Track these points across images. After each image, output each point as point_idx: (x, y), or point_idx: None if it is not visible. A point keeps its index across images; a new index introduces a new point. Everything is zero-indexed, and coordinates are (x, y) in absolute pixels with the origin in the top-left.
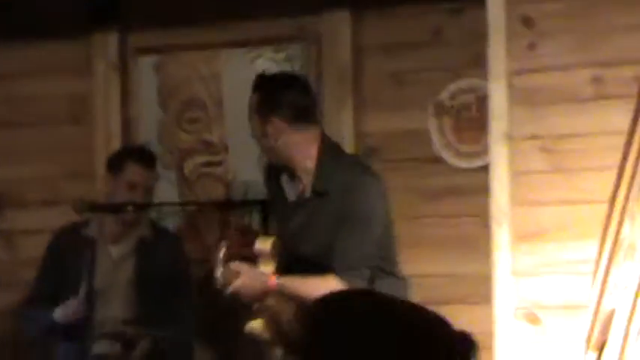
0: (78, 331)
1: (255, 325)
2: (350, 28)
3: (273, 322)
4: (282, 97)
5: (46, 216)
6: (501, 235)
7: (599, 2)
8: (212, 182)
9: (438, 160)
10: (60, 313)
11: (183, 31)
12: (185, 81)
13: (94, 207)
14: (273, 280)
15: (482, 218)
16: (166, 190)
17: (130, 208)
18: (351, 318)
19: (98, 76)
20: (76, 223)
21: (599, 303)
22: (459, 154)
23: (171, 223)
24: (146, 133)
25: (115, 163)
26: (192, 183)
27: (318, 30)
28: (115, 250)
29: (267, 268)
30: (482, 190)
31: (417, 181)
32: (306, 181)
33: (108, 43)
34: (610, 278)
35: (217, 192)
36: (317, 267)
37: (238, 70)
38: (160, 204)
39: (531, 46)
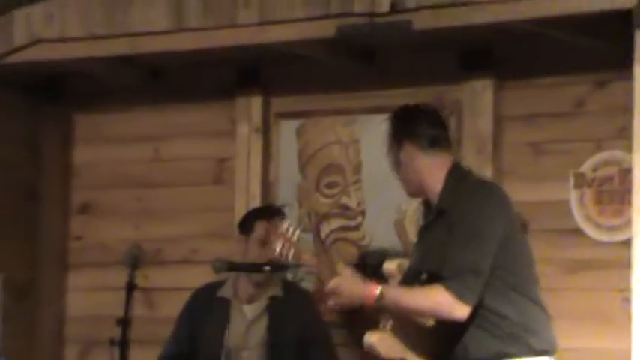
0: None
1: (374, 338)
2: (491, 98)
3: (394, 336)
4: (414, 125)
5: (184, 275)
6: None
7: None
8: (348, 246)
9: (577, 232)
10: None
11: (323, 96)
12: (325, 146)
13: (233, 266)
14: (375, 287)
15: (623, 293)
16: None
17: (267, 267)
18: None
19: (241, 138)
20: (211, 284)
21: None
22: (600, 227)
23: (307, 284)
24: (285, 197)
25: (246, 224)
26: (328, 246)
27: (458, 98)
28: (250, 310)
29: None
30: (623, 264)
31: (556, 253)
32: (435, 203)
33: (251, 107)
34: None
35: (352, 256)
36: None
37: (377, 136)
38: (297, 265)
39: None
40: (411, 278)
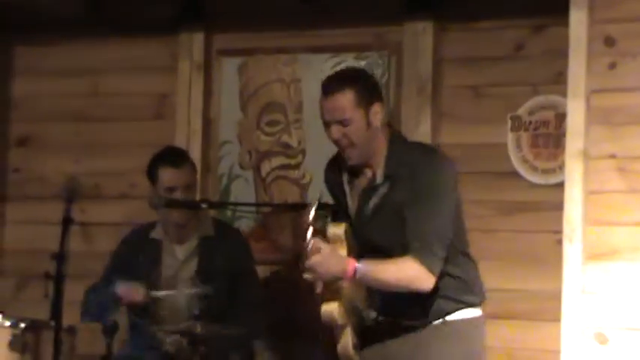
0: (141, 314)
1: (331, 308)
2: (432, 40)
3: (347, 306)
4: (377, 85)
5: (122, 209)
6: (573, 253)
7: None
8: (288, 184)
9: (514, 174)
10: (122, 288)
11: (266, 34)
12: (266, 84)
13: (170, 202)
14: (353, 264)
15: (556, 235)
16: (243, 190)
17: (204, 205)
18: None
19: (182, 75)
20: (143, 226)
21: None
22: (536, 169)
23: (245, 222)
24: (226, 134)
25: (151, 174)
26: (268, 184)
27: (399, 40)
28: (181, 251)
29: (341, 253)
30: (557, 207)
31: (492, 195)
32: (377, 167)
33: (193, 44)
34: None
35: (293, 194)
36: (386, 253)
37: (319, 75)
38: (235, 204)
39: (612, 66)
40: (368, 248)
